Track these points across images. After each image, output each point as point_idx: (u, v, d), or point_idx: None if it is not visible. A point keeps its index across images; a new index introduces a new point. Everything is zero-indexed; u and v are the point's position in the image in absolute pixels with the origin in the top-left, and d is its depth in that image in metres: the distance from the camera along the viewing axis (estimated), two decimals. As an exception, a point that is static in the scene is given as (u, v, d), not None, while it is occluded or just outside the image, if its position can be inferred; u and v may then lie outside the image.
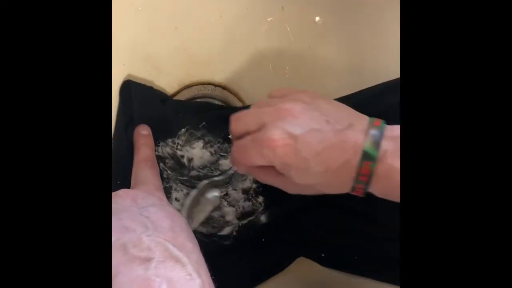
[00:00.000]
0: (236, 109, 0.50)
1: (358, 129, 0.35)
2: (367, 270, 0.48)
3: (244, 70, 0.51)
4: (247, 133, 0.38)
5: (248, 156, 0.37)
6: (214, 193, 0.46)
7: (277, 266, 0.48)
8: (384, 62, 0.48)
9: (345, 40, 0.50)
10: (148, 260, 0.28)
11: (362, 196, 0.36)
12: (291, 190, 0.40)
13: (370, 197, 0.47)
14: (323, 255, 0.48)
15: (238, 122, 0.39)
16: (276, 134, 0.35)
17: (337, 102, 0.39)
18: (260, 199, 0.49)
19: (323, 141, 0.34)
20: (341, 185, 0.36)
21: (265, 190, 0.49)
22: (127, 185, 0.42)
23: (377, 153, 0.34)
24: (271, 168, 0.37)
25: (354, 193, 0.37)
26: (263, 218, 0.48)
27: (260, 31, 0.50)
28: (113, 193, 0.35)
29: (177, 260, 0.29)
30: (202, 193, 0.46)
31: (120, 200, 0.34)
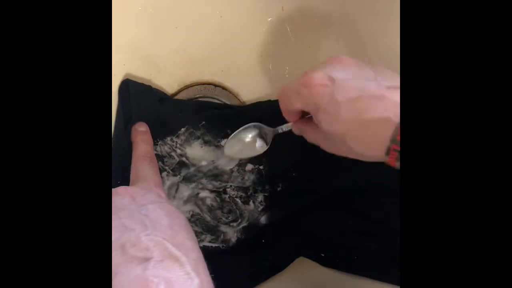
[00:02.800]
0: (236, 109, 0.50)
1: None
2: (367, 270, 0.48)
3: (244, 70, 0.51)
4: None
5: (288, 96, 0.38)
6: (260, 143, 0.46)
7: (277, 266, 0.48)
8: (384, 62, 0.48)
9: (345, 40, 0.50)
10: (146, 260, 0.28)
11: (395, 166, 0.34)
12: (326, 146, 0.39)
13: (370, 197, 0.48)
14: (323, 255, 0.48)
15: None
16: (317, 75, 0.36)
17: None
18: (260, 198, 0.49)
19: (361, 91, 0.34)
20: (373, 142, 0.34)
21: (266, 189, 0.49)
22: (127, 184, 0.42)
23: None
24: (310, 120, 0.39)
25: (387, 159, 0.34)
26: (263, 219, 0.48)
27: (260, 31, 0.50)
28: (112, 191, 0.35)
29: (175, 259, 0.29)
30: (246, 134, 0.46)
31: (119, 198, 0.34)
